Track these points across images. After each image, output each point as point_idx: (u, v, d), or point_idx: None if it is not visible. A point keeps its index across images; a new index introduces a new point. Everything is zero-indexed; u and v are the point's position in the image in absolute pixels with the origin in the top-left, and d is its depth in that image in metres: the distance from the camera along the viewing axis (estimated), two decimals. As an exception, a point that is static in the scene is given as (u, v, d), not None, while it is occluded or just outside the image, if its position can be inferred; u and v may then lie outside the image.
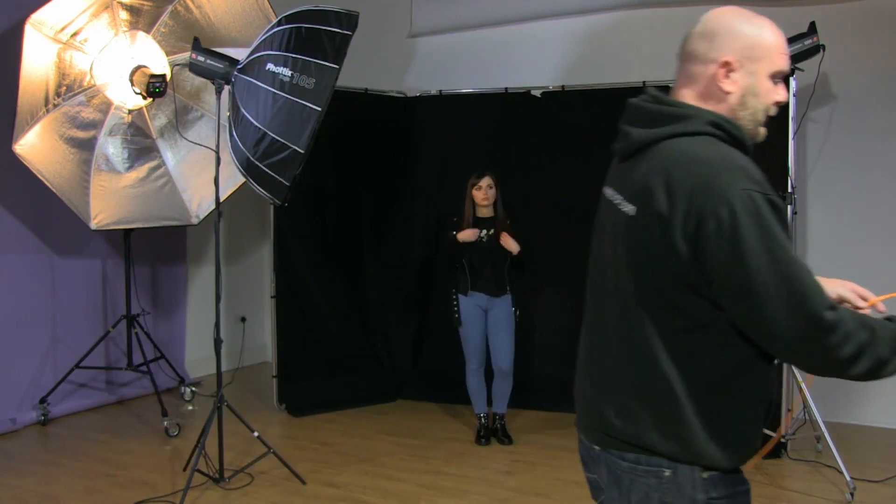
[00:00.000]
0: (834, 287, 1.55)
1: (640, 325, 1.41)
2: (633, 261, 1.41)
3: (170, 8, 4.21)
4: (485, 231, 4.22)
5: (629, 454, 1.44)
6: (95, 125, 4.34)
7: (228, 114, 3.54)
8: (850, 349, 1.29)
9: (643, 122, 1.47)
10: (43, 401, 4.52)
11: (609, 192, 1.56)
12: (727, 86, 1.43)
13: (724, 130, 1.40)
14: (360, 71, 5.20)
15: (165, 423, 4.36)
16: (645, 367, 1.41)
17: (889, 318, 1.40)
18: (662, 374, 1.39)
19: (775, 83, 1.46)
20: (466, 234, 4.17)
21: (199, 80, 4.39)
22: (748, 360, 1.38)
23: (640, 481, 1.44)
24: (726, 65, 1.42)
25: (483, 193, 4.20)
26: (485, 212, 4.25)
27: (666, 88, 1.52)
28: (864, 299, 1.56)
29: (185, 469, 3.70)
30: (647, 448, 1.41)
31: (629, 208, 1.42)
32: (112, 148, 4.48)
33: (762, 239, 1.28)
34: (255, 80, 3.41)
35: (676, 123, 1.42)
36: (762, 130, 1.49)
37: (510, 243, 4.13)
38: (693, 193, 1.31)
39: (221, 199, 3.70)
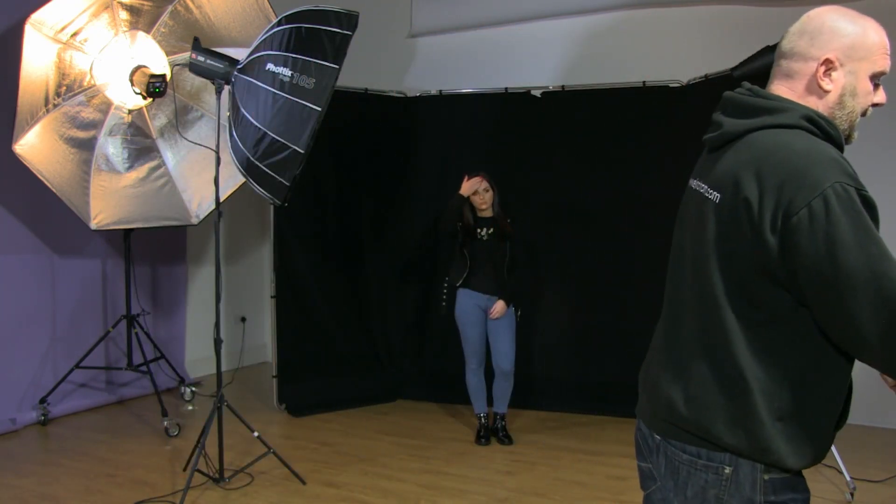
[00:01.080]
0: None
1: (718, 316, 1.39)
2: (718, 250, 1.39)
3: (170, 8, 4.21)
4: (485, 229, 4.22)
5: (691, 447, 1.43)
6: (95, 125, 4.34)
7: (228, 114, 3.54)
8: None
9: (737, 112, 1.46)
10: (43, 401, 4.52)
11: (695, 183, 1.54)
12: (826, 84, 1.42)
13: (818, 126, 1.39)
14: (360, 71, 5.20)
15: (165, 423, 4.36)
16: (720, 358, 1.39)
17: None
18: (737, 366, 1.37)
19: (875, 85, 1.44)
20: (467, 187, 4.15)
21: (199, 80, 4.39)
22: (827, 359, 1.36)
23: (698, 476, 1.42)
24: (827, 62, 1.41)
25: (480, 198, 4.20)
26: (484, 212, 4.25)
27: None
28: None
29: (185, 469, 3.70)
30: (712, 439, 1.40)
31: (714, 195, 1.41)
32: (112, 148, 4.48)
33: (855, 233, 1.26)
34: (255, 80, 3.41)
35: (770, 115, 1.40)
36: (855, 134, 1.48)
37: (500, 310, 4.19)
38: (785, 183, 1.29)
39: (221, 199, 3.70)
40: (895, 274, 1.25)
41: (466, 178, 4.17)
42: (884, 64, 1.42)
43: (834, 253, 1.26)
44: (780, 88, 1.47)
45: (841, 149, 1.40)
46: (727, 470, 1.40)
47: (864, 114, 1.47)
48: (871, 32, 1.41)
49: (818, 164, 1.30)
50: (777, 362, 1.36)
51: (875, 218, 1.31)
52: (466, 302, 4.25)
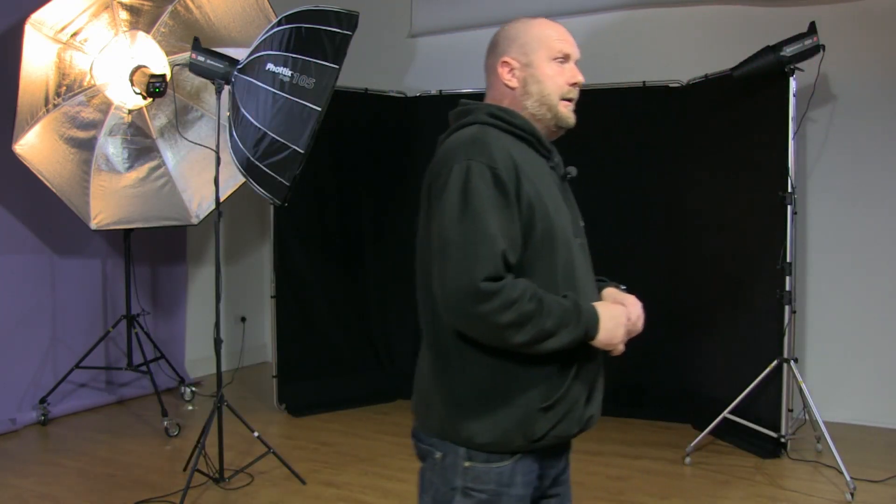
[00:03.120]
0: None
1: (427, 304, 1.53)
2: (420, 251, 1.54)
3: (170, 8, 4.21)
4: None
5: (419, 432, 1.59)
6: (95, 125, 4.34)
7: (228, 114, 3.54)
8: (510, 316, 1.36)
9: (450, 125, 1.62)
10: (43, 401, 4.52)
11: None
12: (510, 81, 1.59)
13: (501, 119, 1.54)
14: (360, 71, 5.19)
15: (165, 423, 4.36)
16: (429, 343, 1.55)
17: (565, 295, 1.46)
18: (438, 350, 1.51)
19: (561, 64, 1.60)
20: None
21: (199, 80, 4.39)
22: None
23: (425, 460, 1.58)
24: (504, 63, 1.60)
25: None
26: None
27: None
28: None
29: (185, 469, 3.70)
30: (420, 423, 1.57)
31: (425, 204, 1.53)
32: (112, 148, 4.48)
33: (461, 201, 1.39)
34: (255, 80, 3.41)
35: (462, 119, 1.58)
36: (566, 112, 1.60)
37: None
38: (437, 166, 1.49)
39: (221, 199, 3.69)
40: (482, 243, 1.36)
41: None
42: (559, 47, 1.59)
43: (439, 215, 1.42)
44: (488, 99, 1.64)
45: (534, 134, 1.57)
46: (438, 455, 1.51)
47: (570, 97, 1.61)
48: (535, 28, 1.61)
49: (465, 145, 1.46)
50: (467, 343, 1.45)
51: (505, 193, 1.42)
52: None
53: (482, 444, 1.46)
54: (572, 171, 1.68)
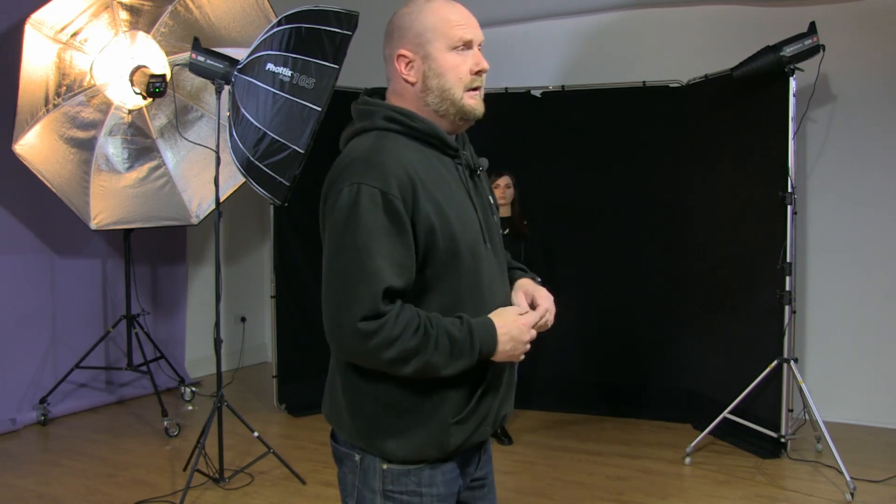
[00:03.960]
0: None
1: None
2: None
3: (170, 8, 4.21)
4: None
5: (340, 437, 1.55)
6: (95, 125, 4.34)
7: (228, 114, 3.54)
8: (392, 353, 1.32)
9: (353, 120, 1.54)
10: (43, 401, 4.52)
11: None
12: (409, 76, 1.47)
13: (400, 123, 1.45)
14: (360, 71, 5.19)
15: (165, 423, 4.36)
16: (339, 358, 1.49)
17: (460, 317, 1.40)
18: (347, 364, 1.46)
19: (462, 52, 1.46)
20: None
21: (199, 80, 4.39)
22: None
23: (342, 465, 1.58)
24: (400, 57, 1.47)
25: (501, 192, 4.25)
26: (502, 211, 4.26)
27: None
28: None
29: (185, 469, 3.70)
30: (341, 433, 1.54)
31: (321, 217, 1.48)
32: (112, 148, 4.48)
33: (345, 230, 1.33)
34: (254, 80, 3.40)
35: (361, 120, 1.50)
36: (472, 103, 1.47)
37: None
38: (328, 186, 1.41)
39: (221, 199, 3.70)
40: (362, 279, 1.31)
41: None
42: (459, 33, 1.44)
43: (325, 247, 1.38)
44: (389, 94, 1.53)
45: (434, 135, 1.45)
46: (357, 457, 1.48)
47: (475, 86, 1.47)
48: (430, 14, 1.45)
49: (354, 164, 1.38)
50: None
51: (396, 219, 1.34)
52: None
53: (398, 458, 1.44)
54: (484, 163, 1.59)
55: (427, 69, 1.45)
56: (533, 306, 1.52)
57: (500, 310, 1.45)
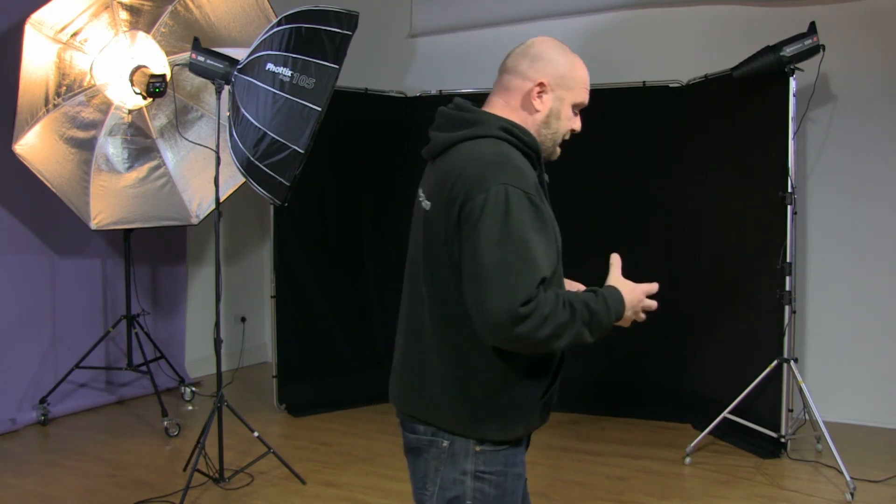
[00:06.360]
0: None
1: (432, 314, 1.58)
2: (427, 253, 1.59)
3: (170, 8, 4.21)
4: None
5: (419, 426, 1.62)
6: (95, 125, 4.34)
7: (228, 114, 3.54)
8: (547, 331, 1.43)
9: (446, 127, 1.64)
10: (43, 401, 4.52)
11: (419, 192, 1.71)
12: (538, 104, 1.62)
13: (514, 135, 1.57)
14: (360, 71, 5.20)
15: (165, 423, 4.36)
16: (436, 347, 1.57)
17: (593, 290, 1.58)
18: (451, 356, 1.56)
19: (575, 113, 1.67)
20: None
21: (199, 80, 4.39)
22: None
23: (425, 451, 1.63)
24: (541, 85, 1.61)
25: None
26: None
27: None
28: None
29: (185, 469, 3.70)
30: (434, 421, 1.60)
31: (427, 204, 1.60)
32: (112, 148, 4.48)
33: (501, 227, 1.43)
34: (254, 80, 3.41)
35: (470, 127, 1.59)
36: (557, 150, 1.70)
37: None
38: (469, 184, 1.47)
39: (221, 199, 3.69)
40: (517, 277, 1.41)
41: None
42: (584, 97, 1.66)
43: (476, 242, 1.44)
44: (494, 100, 1.66)
45: (538, 154, 1.61)
46: (445, 443, 1.58)
47: (565, 139, 1.69)
48: (578, 68, 1.64)
49: (495, 166, 1.49)
50: (478, 348, 1.52)
51: (541, 219, 1.50)
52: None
53: (495, 439, 1.57)
54: (546, 178, 1.74)
55: (555, 109, 1.63)
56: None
57: (620, 280, 1.65)
